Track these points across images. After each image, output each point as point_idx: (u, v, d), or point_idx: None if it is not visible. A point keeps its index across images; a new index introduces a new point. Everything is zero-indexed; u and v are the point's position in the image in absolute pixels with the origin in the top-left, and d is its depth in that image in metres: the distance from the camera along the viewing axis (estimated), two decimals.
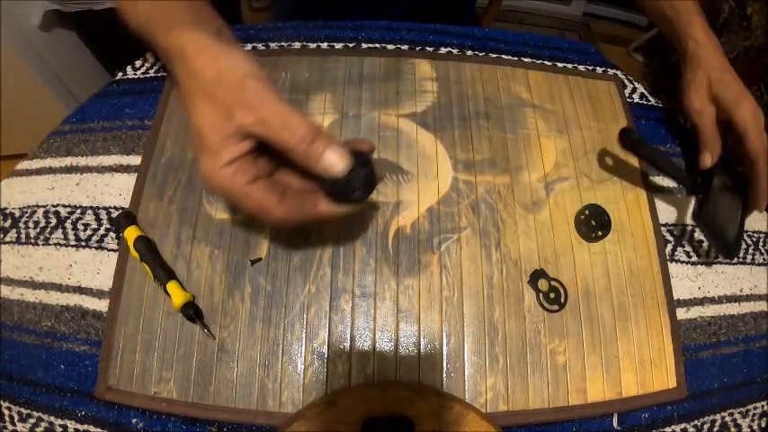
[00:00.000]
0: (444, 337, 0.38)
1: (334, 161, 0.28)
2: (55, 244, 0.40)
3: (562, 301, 0.40)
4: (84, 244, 0.40)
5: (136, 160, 0.43)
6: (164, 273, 0.37)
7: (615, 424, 0.38)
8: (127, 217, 0.39)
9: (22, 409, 0.36)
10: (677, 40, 0.49)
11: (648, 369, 0.39)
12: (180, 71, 0.31)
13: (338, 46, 0.50)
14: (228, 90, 0.28)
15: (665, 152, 0.46)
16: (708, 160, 0.45)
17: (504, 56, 0.52)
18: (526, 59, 0.53)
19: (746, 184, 0.45)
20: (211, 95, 0.28)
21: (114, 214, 0.41)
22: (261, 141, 0.29)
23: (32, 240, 0.40)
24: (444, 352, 0.38)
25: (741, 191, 0.47)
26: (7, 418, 0.35)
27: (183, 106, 0.32)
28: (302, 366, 0.36)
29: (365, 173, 0.29)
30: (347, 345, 0.37)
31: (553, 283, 0.41)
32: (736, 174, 0.47)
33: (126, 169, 0.43)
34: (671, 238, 0.46)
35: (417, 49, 0.51)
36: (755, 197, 0.45)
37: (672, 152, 0.51)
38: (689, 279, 0.45)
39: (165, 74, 0.47)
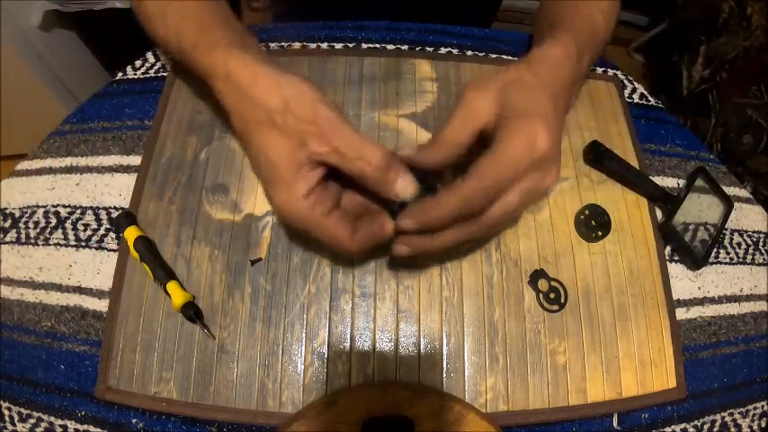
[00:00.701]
0: (444, 337, 0.38)
1: (404, 188, 0.29)
2: (55, 244, 0.40)
3: (562, 301, 0.40)
4: (84, 244, 0.40)
5: (136, 160, 0.43)
6: (164, 273, 0.37)
7: (615, 424, 0.38)
8: (127, 217, 0.39)
9: (22, 409, 0.36)
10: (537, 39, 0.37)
11: (648, 369, 0.39)
12: (228, 96, 0.31)
13: (338, 46, 0.50)
14: (299, 119, 0.28)
15: (632, 166, 0.46)
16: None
17: (504, 56, 0.52)
18: None
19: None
20: (281, 125, 0.28)
21: (114, 214, 0.41)
22: (331, 167, 0.29)
23: (32, 240, 0.40)
24: (444, 352, 0.38)
25: (724, 201, 0.47)
26: (7, 419, 0.35)
27: (237, 132, 0.31)
28: (302, 366, 0.36)
29: (429, 197, 0.30)
30: (347, 345, 0.37)
31: (553, 283, 0.41)
32: (717, 186, 0.47)
33: (126, 169, 0.43)
34: None
35: (417, 49, 0.51)
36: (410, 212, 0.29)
37: (672, 152, 0.51)
38: (689, 279, 0.45)
39: (165, 74, 0.47)
